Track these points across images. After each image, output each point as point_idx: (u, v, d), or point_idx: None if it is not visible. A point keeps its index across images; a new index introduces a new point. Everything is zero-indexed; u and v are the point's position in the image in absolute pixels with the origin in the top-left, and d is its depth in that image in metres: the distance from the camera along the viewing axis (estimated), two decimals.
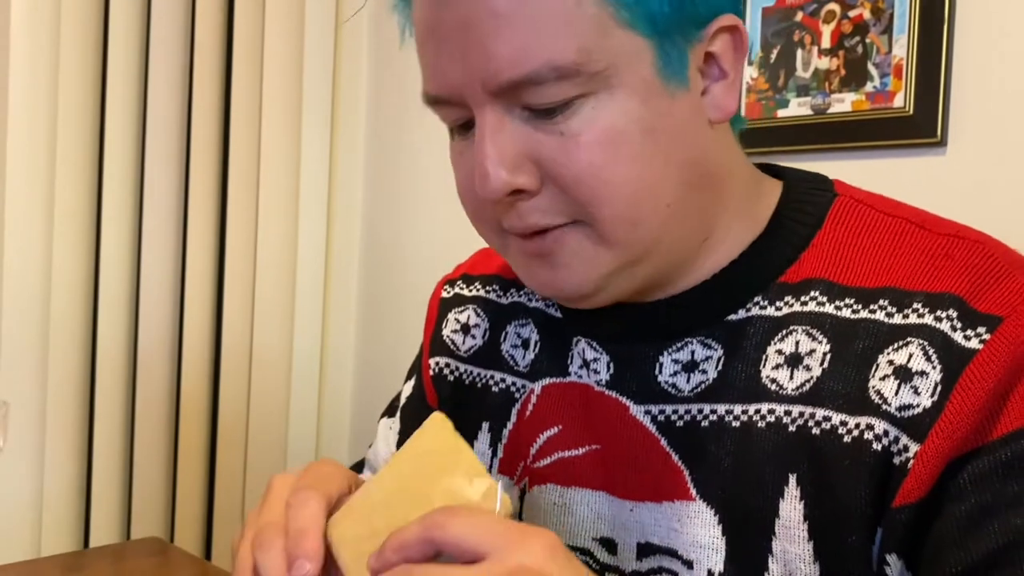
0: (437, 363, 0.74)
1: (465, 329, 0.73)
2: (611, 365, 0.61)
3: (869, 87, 1.07)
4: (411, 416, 0.77)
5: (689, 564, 0.57)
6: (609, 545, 0.61)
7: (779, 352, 0.55)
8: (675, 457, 0.57)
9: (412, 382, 0.78)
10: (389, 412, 0.80)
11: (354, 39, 1.70)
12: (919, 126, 1.03)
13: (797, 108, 1.12)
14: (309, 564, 0.48)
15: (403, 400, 0.79)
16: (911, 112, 1.03)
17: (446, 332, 0.74)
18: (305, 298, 1.66)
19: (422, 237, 1.63)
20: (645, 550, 0.59)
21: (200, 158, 1.54)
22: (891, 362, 0.51)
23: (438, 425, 0.49)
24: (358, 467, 0.81)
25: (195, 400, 1.57)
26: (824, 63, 1.10)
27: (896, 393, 0.50)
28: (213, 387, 1.61)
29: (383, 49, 1.71)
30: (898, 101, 1.04)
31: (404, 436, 0.77)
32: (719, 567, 0.55)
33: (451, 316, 0.74)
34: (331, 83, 1.66)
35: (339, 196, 1.71)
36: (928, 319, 0.51)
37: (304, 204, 1.63)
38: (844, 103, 1.09)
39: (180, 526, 1.58)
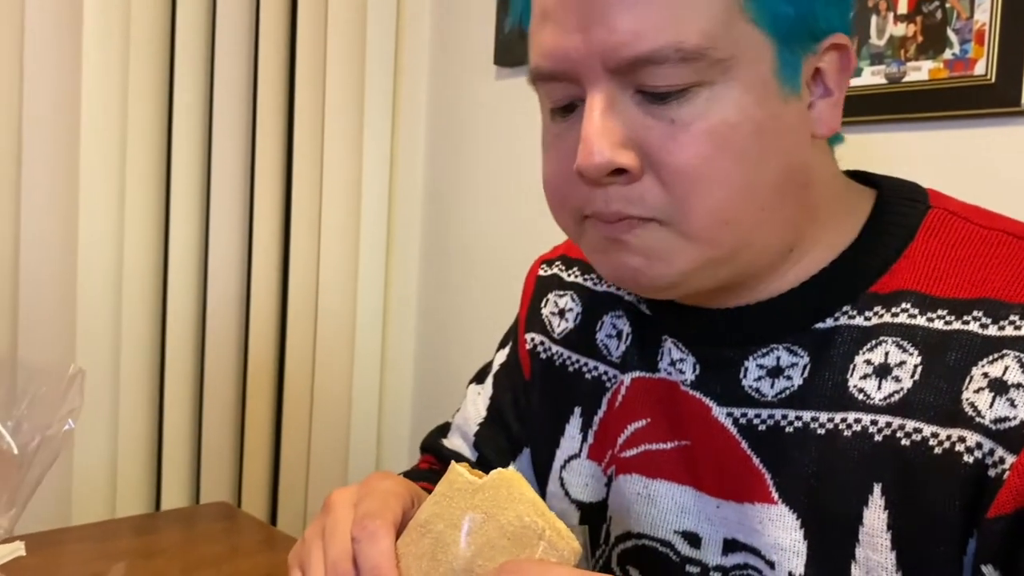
0: (533, 339, 0.75)
1: (561, 313, 0.73)
2: (696, 366, 0.61)
3: (948, 54, 1.02)
4: (505, 384, 0.78)
5: (771, 564, 0.57)
6: (692, 539, 0.61)
7: (868, 362, 0.54)
8: (756, 460, 0.57)
9: (507, 350, 0.79)
10: (478, 379, 0.82)
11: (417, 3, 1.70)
12: (1001, 94, 0.98)
13: (871, 77, 1.09)
14: None
15: (496, 367, 0.80)
16: (993, 80, 0.99)
17: (545, 312, 0.75)
18: (368, 268, 1.67)
19: (482, 200, 1.63)
20: (731, 546, 0.59)
21: (266, 126, 1.56)
22: (986, 375, 0.50)
23: (508, 476, 0.48)
24: (442, 430, 0.82)
25: (262, 370, 1.60)
26: (900, 30, 1.06)
27: (991, 406, 0.49)
28: (279, 357, 1.64)
29: (445, 17, 1.70)
30: (979, 69, 1.00)
31: (495, 402, 0.78)
32: (800, 570, 0.55)
33: (551, 297, 0.75)
34: (393, 55, 1.66)
35: (401, 161, 1.72)
36: None
37: (367, 170, 1.64)
38: (921, 71, 1.04)
39: (247, 491, 1.62)
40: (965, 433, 0.49)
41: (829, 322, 0.56)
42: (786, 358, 0.57)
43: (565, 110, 0.54)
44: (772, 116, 0.51)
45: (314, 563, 0.52)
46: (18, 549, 0.50)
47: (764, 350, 0.58)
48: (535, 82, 0.56)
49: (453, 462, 0.51)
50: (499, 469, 0.49)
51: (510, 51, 1.53)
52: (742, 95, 0.50)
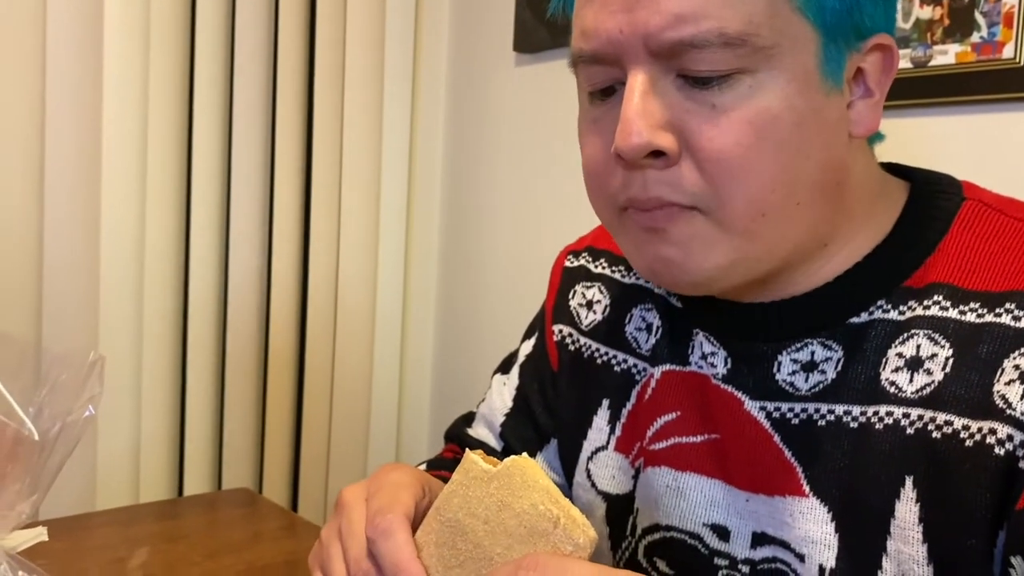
0: (560, 330, 0.75)
1: (589, 304, 0.73)
2: (728, 360, 0.61)
3: (975, 37, 1.00)
4: (531, 374, 0.78)
5: (801, 557, 0.56)
6: (721, 532, 0.61)
7: (899, 355, 0.54)
8: (788, 454, 0.57)
9: (532, 341, 0.79)
10: (503, 369, 0.82)
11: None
12: None
13: None
14: None
15: (521, 358, 0.80)
16: (1022, 63, 0.97)
17: (573, 303, 0.75)
18: (388, 254, 1.68)
19: (502, 190, 1.63)
20: (760, 539, 0.59)
21: (285, 117, 1.56)
22: (1017, 367, 0.49)
23: (521, 464, 0.48)
24: (467, 419, 0.83)
25: (282, 358, 1.61)
26: (926, 13, 1.04)
27: (1022, 398, 0.49)
28: (299, 343, 1.64)
29: (464, 4, 1.69)
30: (1007, 52, 0.98)
31: (521, 392, 0.78)
32: (831, 563, 0.55)
33: (579, 288, 0.75)
34: (412, 43, 1.66)
35: (420, 150, 1.72)
36: None
37: (386, 159, 1.64)
38: (947, 55, 1.03)
39: (268, 478, 1.63)
40: (996, 425, 0.49)
41: (863, 316, 0.56)
42: (820, 352, 0.57)
43: (604, 93, 0.54)
44: (813, 109, 0.51)
45: (335, 565, 0.53)
46: (41, 534, 0.50)
47: (798, 344, 0.57)
48: (576, 65, 0.55)
49: (468, 450, 0.51)
50: (513, 457, 0.48)
51: (529, 37, 1.53)
52: (785, 85, 0.50)
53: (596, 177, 0.56)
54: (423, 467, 0.80)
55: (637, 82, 0.50)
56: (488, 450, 0.78)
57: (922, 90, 1.04)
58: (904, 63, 1.06)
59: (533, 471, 0.48)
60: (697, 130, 0.50)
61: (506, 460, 0.48)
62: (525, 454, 0.49)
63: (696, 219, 0.52)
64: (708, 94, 0.50)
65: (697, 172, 0.51)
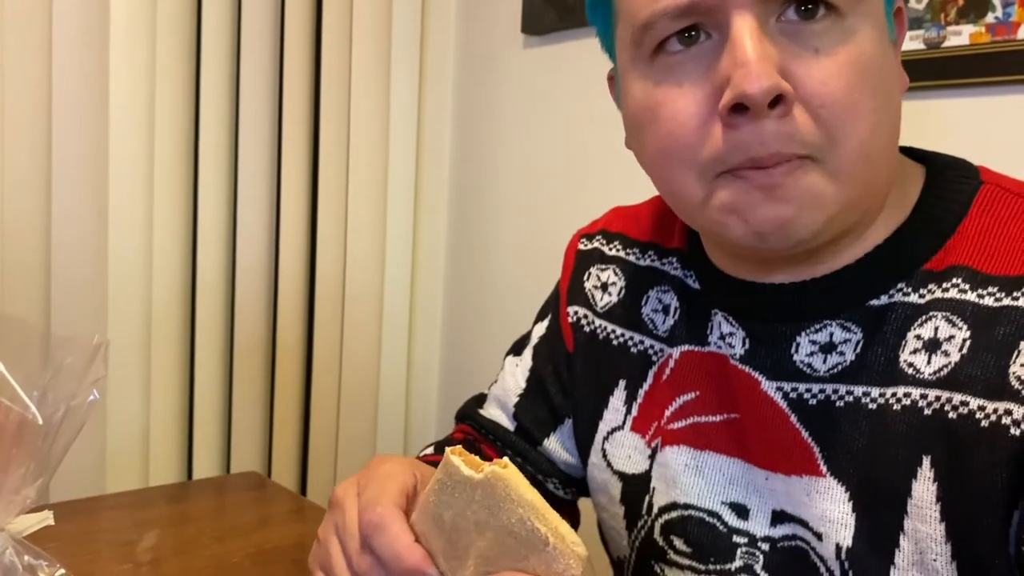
0: (576, 312, 0.76)
1: (604, 287, 0.74)
2: (746, 341, 0.61)
3: (990, 18, 0.99)
4: (545, 355, 0.79)
5: (819, 536, 0.57)
6: (740, 510, 0.62)
7: (918, 337, 0.54)
8: (805, 434, 0.57)
9: (546, 322, 0.80)
10: (515, 351, 0.82)
11: None
12: None
13: (909, 42, 1.06)
14: None
15: (535, 339, 0.80)
16: None
17: (588, 285, 0.75)
18: (396, 237, 1.68)
19: (510, 175, 1.62)
20: (780, 517, 0.59)
21: (292, 102, 1.56)
22: None
23: (503, 476, 0.46)
24: (479, 401, 0.84)
25: (290, 343, 1.61)
26: None
27: None
28: (308, 329, 1.65)
29: None
30: (1023, 33, 0.97)
31: (535, 374, 0.79)
32: (847, 542, 0.55)
33: (593, 271, 0.75)
34: (419, 27, 1.65)
35: (428, 134, 1.71)
36: None
37: (394, 145, 1.64)
38: (961, 36, 1.01)
39: (277, 462, 1.64)
40: (1012, 406, 0.49)
41: (884, 299, 0.56)
42: (839, 334, 0.57)
43: (685, 40, 0.51)
44: (886, 56, 0.53)
45: (335, 562, 0.54)
46: (46, 518, 0.50)
47: (817, 326, 0.58)
48: (649, 28, 0.52)
49: (448, 451, 0.49)
50: (493, 468, 0.47)
51: (538, 19, 1.51)
52: (871, 30, 0.51)
53: (684, 142, 0.52)
54: (431, 449, 0.80)
55: (746, 24, 0.49)
56: (501, 431, 0.79)
57: (935, 71, 1.03)
58: (917, 44, 1.05)
59: (515, 483, 0.46)
60: (807, 74, 0.49)
61: (487, 469, 0.47)
62: (507, 460, 0.47)
63: (812, 171, 0.50)
64: (810, 38, 0.50)
65: (810, 118, 0.50)
